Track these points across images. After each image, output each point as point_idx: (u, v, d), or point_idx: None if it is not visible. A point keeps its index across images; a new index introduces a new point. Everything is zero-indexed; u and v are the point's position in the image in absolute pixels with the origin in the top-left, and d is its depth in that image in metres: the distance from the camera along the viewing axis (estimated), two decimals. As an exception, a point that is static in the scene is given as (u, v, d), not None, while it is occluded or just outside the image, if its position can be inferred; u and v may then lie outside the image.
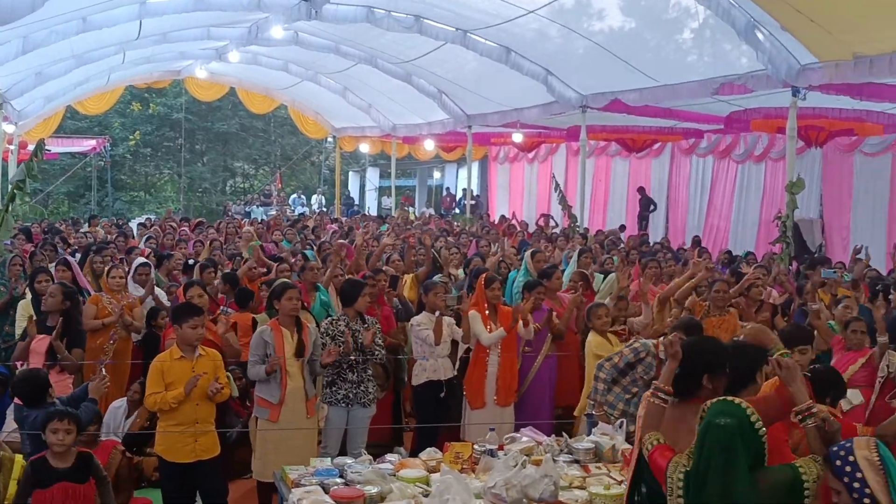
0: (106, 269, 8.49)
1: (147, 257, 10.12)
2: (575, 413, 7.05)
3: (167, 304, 8.38)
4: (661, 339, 5.92)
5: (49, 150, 21.77)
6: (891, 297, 8.19)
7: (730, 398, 3.40)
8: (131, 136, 34.27)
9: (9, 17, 8.36)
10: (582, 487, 4.84)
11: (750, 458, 3.25)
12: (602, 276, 9.58)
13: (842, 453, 3.17)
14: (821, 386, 4.77)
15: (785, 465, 3.40)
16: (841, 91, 10.43)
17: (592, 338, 7.00)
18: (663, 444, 3.60)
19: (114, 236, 14.19)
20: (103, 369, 5.90)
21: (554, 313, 7.65)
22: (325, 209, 29.67)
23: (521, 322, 7.10)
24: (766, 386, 4.66)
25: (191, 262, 10.03)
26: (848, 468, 3.12)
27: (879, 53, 8.91)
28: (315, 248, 11.86)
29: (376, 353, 6.68)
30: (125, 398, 7.18)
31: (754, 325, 4.34)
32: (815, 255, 13.46)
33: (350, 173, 36.13)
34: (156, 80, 23.77)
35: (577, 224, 15.79)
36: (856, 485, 3.09)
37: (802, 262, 11.93)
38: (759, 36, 9.90)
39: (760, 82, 10.75)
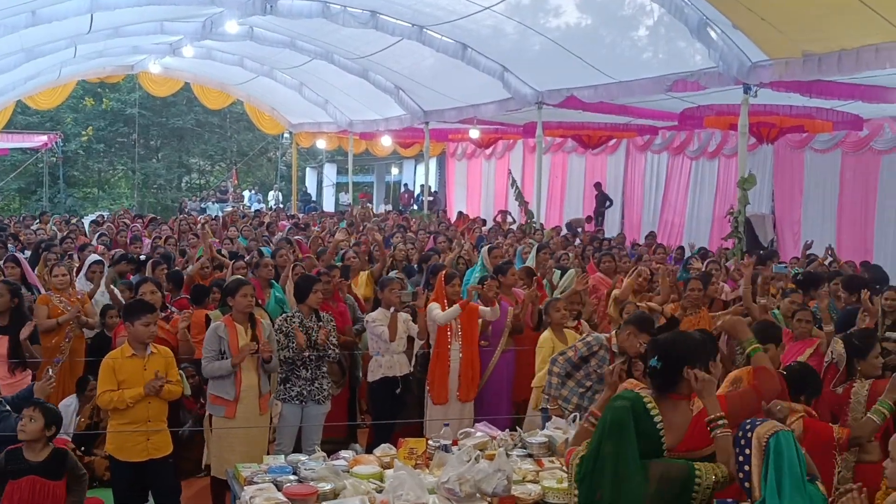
0: (49, 268, 8.34)
1: (102, 255, 9.98)
2: (531, 406, 7.09)
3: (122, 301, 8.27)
4: (614, 333, 6.00)
5: (-1, 147, 21.43)
6: (824, 289, 8.33)
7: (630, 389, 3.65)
8: (84, 132, 33.67)
9: (-46, 10, 8.20)
10: (535, 481, 4.87)
11: (642, 442, 3.38)
12: (560, 272, 9.64)
13: (747, 426, 3.37)
14: (796, 384, 4.84)
15: (684, 462, 3.49)
16: (791, 88, 10.61)
17: (547, 333, 7.04)
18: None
19: (65, 233, 13.96)
20: (50, 370, 5.82)
21: (510, 309, 7.71)
22: (281, 206, 29.48)
23: (488, 307, 7.18)
24: (731, 376, 4.77)
25: (142, 258, 9.91)
26: (742, 441, 3.35)
27: (828, 51, 9.07)
28: (271, 245, 11.79)
29: (330, 350, 6.65)
30: (75, 395, 7.09)
31: (732, 317, 4.40)
32: (767, 250, 13.66)
33: (307, 169, 35.92)
34: (109, 75, 23.44)
35: (534, 220, 15.87)
36: (741, 458, 3.34)
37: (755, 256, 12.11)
38: (712, 34, 10.03)
39: (713, 79, 10.89)
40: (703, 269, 9.43)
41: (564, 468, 4.85)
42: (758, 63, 10.07)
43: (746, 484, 3.33)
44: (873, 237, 14.75)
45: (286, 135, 29.92)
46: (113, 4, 12.19)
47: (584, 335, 6.39)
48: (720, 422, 3.58)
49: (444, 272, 7.64)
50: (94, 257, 9.10)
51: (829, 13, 8.61)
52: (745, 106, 10.87)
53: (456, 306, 7.20)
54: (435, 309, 7.31)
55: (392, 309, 7.24)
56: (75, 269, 8.65)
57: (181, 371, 6.25)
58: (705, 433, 3.59)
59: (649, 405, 3.48)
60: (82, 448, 6.54)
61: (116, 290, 8.40)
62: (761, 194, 16.59)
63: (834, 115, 12.85)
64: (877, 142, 14.57)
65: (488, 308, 7.47)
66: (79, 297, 7.93)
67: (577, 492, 3.52)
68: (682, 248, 14.35)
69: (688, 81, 11.39)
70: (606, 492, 3.38)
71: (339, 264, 9.34)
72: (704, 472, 3.41)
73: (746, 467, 3.28)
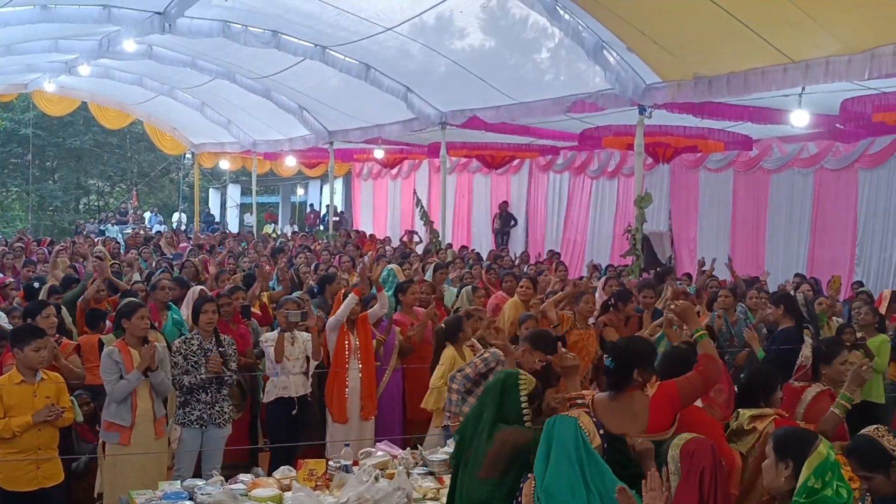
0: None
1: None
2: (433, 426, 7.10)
3: (7, 326, 7.97)
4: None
5: None
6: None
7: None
8: (-25, 152, 32.49)
9: None
10: (436, 499, 4.88)
11: (505, 411, 3.99)
12: (455, 290, 9.74)
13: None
14: (750, 392, 4.98)
15: (529, 428, 3.98)
16: (684, 110, 10.98)
17: (450, 350, 7.06)
18: None
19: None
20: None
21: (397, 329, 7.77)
22: (184, 227, 28.91)
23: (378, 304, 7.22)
24: None
25: (36, 284, 9.56)
26: None
27: (717, 74, 9.43)
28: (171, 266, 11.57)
29: (227, 374, 6.54)
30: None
31: (682, 303, 4.59)
32: (665, 267, 14.04)
33: (210, 190, 35.30)
34: (1, 94, 22.64)
35: (440, 239, 15.96)
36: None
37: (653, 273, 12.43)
38: (608, 57, 10.31)
39: (609, 101, 11.18)
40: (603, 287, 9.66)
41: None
42: (652, 85, 10.40)
43: None
44: (765, 252, 15.36)
45: (188, 155, 29.38)
46: (4, 21, 11.80)
47: (481, 352, 6.43)
48: (579, 401, 4.19)
49: (342, 291, 7.63)
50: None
51: (718, 37, 8.95)
52: (640, 127, 11.19)
53: (351, 295, 7.21)
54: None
55: (279, 329, 7.18)
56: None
57: (74, 398, 6.06)
58: (662, 417, 4.03)
59: (521, 381, 4.09)
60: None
61: (2, 315, 8.11)
62: (659, 212, 17.08)
63: (725, 136, 13.36)
64: (766, 161, 15.20)
65: (376, 304, 7.52)
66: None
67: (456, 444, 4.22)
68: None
69: (586, 102, 11.66)
70: (467, 444, 4.05)
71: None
72: None
73: None
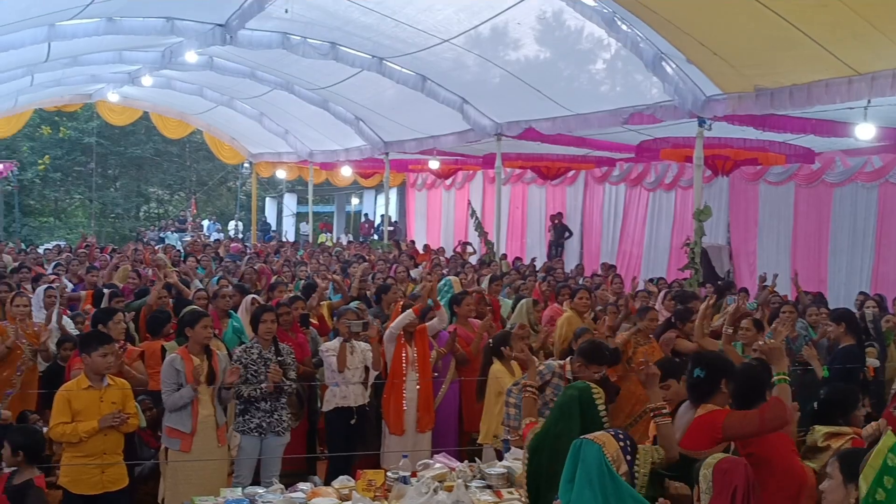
0: (9, 297, 8.18)
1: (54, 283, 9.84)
2: (479, 441, 7.07)
3: (73, 332, 8.17)
4: (568, 360, 6.04)
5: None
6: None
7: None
8: (41, 161, 33.29)
9: None
10: (494, 512, 4.87)
11: (587, 426, 3.93)
12: (511, 301, 9.71)
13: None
14: (831, 409, 4.90)
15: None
16: (745, 122, 10.82)
17: (497, 366, 7.03)
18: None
19: (19, 263, 13.72)
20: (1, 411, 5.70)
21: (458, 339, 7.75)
22: (241, 235, 29.31)
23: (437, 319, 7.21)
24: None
25: (105, 290, 9.78)
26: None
27: (779, 86, 9.27)
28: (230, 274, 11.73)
29: (287, 384, 6.61)
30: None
31: (772, 343, 4.52)
32: (723, 281, 13.84)
33: (267, 199, 35.78)
34: (66, 104, 23.18)
35: (494, 251, 15.94)
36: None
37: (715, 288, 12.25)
38: (667, 68, 10.21)
39: (668, 112, 11.06)
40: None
41: (523, 499, 4.88)
42: (712, 97, 10.27)
43: None
44: (827, 267, 15.04)
45: (246, 164, 29.80)
46: (71, 33, 12.09)
47: (538, 367, 6.40)
48: (663, 410, 4.18)
49: (401, 302, 7.66)
50: (46, 286, 9.00)
51: (780, 49, 8.81)
52: (699, 139, 11.05)
53: (408, 311, 7.20)
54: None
55: (341, 339, 7.23)
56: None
57: (137, 403, 6.18)
58: (698, 438, 4.07)
59: (595, 394, 4.08)
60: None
61: (69, 321, 8.32)
62: (717, 225, 16.85)
63: (787, 149, 13.12)
64: (829, 175, 14.90)
65: (434, 318, 7.52)
66: (35, 328, 7.79)
67: (527, 459, 4.19)
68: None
69: (644, 114, 11.55)
70: (546, 463, 4.00)
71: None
72: (643, 454, 3.79)
73: None
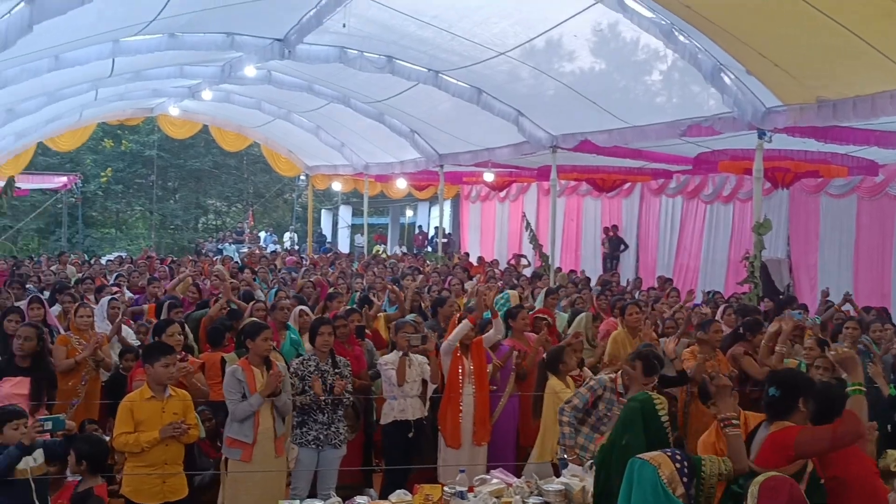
0: (73, 308, 8.36)
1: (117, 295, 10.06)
2: (535, 459, 7.01)
3: (134, 343, 8.32)
4: (620, 374, 6.00)
5: (19, 188, 21.64)
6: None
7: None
8: (103, 173, 34.08)
9: (-20, 55, 8.34)
10: (551, 529, 4.83)
11: (650, 438, 4.01)
12: (566, 315, 9.63)
13: None
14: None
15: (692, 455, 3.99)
16: (806, 134, 10.63)
17: (552, 381, 6.98)
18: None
19: (83, 274, 14.04)
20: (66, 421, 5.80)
21: (516, 353, 7.69)
22: (297, 247, 29.60)
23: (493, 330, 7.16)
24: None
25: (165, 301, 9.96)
26: None
27: (842, 98, 9.10)
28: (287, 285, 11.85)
29: (345, 396, 6.65)
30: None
31: (849, 352, 4.45)
32: (783, 296, 13.60)
33: (322, 211, 36.12)
34: (128, 118, 23.70)
35: (549, 263, 15.86)
36: None
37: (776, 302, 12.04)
38: (725, 79, 10.08)
39: (727, 124, 10.91)
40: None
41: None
42: (772, 108, 10.11)
43: None
44: (891, 282, 14.67)
45: (302, 177, 30.14)
46: (134, 49, 12.35)
47: (586, 380, 6.35)
48: (734, 421, 4.13)
49: (457, 315, 7.65)
50: (109, 297, 9.18)
51: (842, 60, 8.64)
52: (759, 151, 10.89)
53: (464, 322, 7.19)
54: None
55: (401, 353, 7.25)
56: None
57: (197, 414, 6.27)
58: (771, 457, 4.00)
59: (657, 404, 4.16)
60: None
61: (130, 332, 8.48)
62: (777, 239, 16.56)
63: (849, 161, 12.86)
64: (892, 187, 14.56)
65: (491, 330, 7.49)
66: (98, 338, 7.94)
67: (596, 474, 4.26)
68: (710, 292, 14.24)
69: (702, 126, 11.41)
70: (614, 477, 3.99)
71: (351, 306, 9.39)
72: (710, 465, 3.86)
73: None
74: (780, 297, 12.60)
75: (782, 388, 4.19)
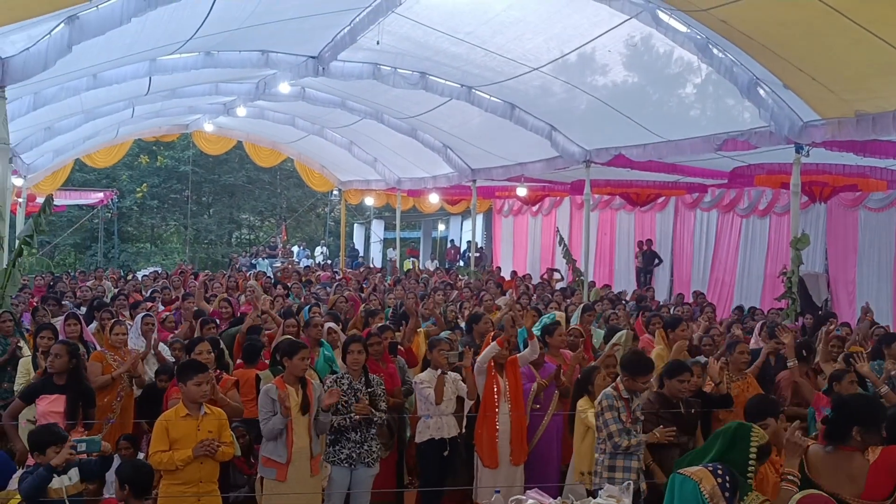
0: (108, 325, 8.40)
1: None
2: (568, 480, 6.93)
3: (170, 359, 8.36)
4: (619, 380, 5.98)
5: (57, 204, 21.95)
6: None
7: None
8: (138, 189, 34.50)
9: (21, 75, 8.48)
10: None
11: (731, 455, 3.90)
12: (602, 332, 9.53)
13: None
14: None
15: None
16: (844, 148, 10.49)
17: (583, 400, 6.88)
18: None
19: (118, 290, 14.16)
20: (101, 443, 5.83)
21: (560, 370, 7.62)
22: (328, 261, 29.72)
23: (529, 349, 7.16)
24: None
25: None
26: None
27: (881, 111, 8.98)
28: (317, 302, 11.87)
29: (378, 414, 6.63)
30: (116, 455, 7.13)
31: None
32: (822, 311, 13.40)
33: (355, 225, 36.27)
34: (164, 134, 23.96)
35: (582, 277, 15.77)
36: None
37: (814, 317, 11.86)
38: (762, 93, 9.99)
39: (764, 139, 10.82)
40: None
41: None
42: (810, 122, 10.00)
43: None
44: (931, 296, 14.45)
45: (335, 192, 30.29)
46: (171, 68, 12.52)
47: (597, 399, 6.24)
48: (790, 477, 4.05)
49: (492, 332, 7.61)
50: (144, 313, 9.24)
51: (882, 73, 8.53)
52: (797, 165, 10.78)
53: (493, 345, 7.12)
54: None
55: (439, 371, 7.21)
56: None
57: (232, 431, 6.27)
58: (881, 485, 3.95)
59: (753, 433, 3.97)
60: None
61: (165, 348, 8.52)
62: (814, 253, 16.35)
63: (889, 174, 12.69)
64: (933, 200, 14.34)
65: (527, 349, 7.43)
66: (136, 356, 7.99)
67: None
68: (740, 307, 14.08)
69: (738, 140, 11.32)
70: None
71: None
72: (753, 500, 3.80)
73: None
74: (819, 312, 12.39)
75: (837, 412, 4.15)
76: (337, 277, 19.46)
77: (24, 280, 11.82)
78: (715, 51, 9.66)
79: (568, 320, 10.29)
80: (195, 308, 10.42)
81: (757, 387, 7.41)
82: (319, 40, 12.59)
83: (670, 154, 13.02)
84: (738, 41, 8.99)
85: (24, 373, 7.69)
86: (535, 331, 8.11)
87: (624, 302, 14.22)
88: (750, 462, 3.90)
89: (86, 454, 5.36)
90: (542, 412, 7.46)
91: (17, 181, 17.78)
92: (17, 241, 9.36)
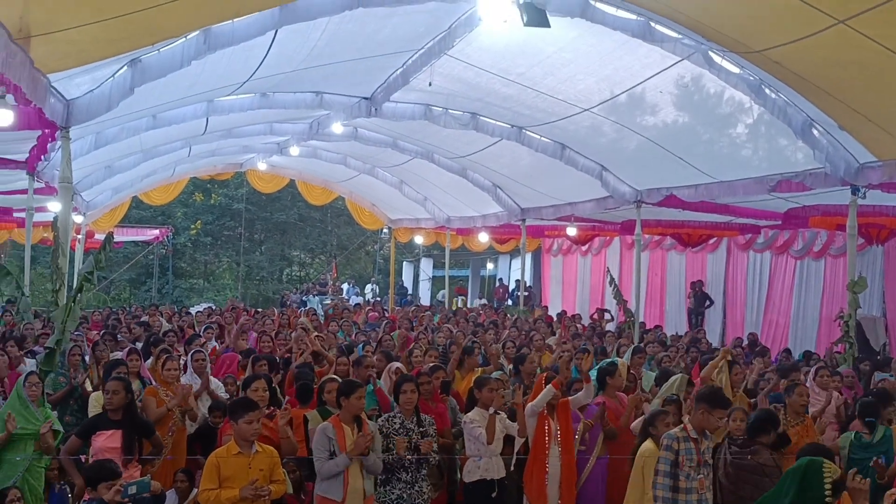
0: (161, 361, 8.49)
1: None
2: None
3: (223, 396, 8.44)
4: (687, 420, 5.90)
5: (116, 241, 22.40)
6: None
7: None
8: (193, 226, 35.11)
9: (86, 117, 8.73)
10: None
11: (807, 496, 4.01)
12: (653, 374, 9.41)
13: None
14: None
15: None
16: (902, 189, 10.35)
17: (649, 444, 6.75)
18: None
19: (172, 326, 14.35)
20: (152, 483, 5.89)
21: (607, 412, 7.54)
22: (378, 298, 29.85)
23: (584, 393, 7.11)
24: None
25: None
26: None
27: (941, 153, 8.85)
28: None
29: (430, 455, 6.62)
30: (173, 489, 7.20)
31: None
32: (880, 356, 13.11)
33: (404, 263, 36.43)
34: (219, 173, 24.43)
35: (633, 318, 15.63)
36: None
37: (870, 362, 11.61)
38: (816, 134, 9.90)
39: (818, 180, 10.69)
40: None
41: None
42: (866, 164, 9.87)
43: None
44: None
45: (385, 230, 30.52)
46: (228, 108, 12.78)
47: (661, 439, 6.13)
48: None
49: (544, 375, 7.57)
50: (195, 349, 9.35)
51: (940, 114, 8.43)
52: (853, 207, 10.62)
53: (549, 387, 7.05)
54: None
55: (491, 410, 7.17)
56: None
57: (283, 469, 6.30)
58: None
59: (825, 469, 4.03)
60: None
61: (219, 384, 8.60)
62: (872, 296, 16.02)
63: (948, 216, 12.44)
64: None
65: (580, 392, 7.36)
66: (185, 389, 8.08)
67: None
68: (787, 350, 13.83)
69: (792, 182, 11.20)
70: None
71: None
72: None
73: None
74: (877, 356, 12.12)
75: None
76: (386, 316, 19.52)
77: (83, 314, 12.07)
78: (768, 91, 9.61)
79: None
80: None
81: (815, 431, 7.26)
82: (372, 82, 12.79)
83: (722, 195, 12.90)
84: (792, 82, 8.93)
85: (96, 407, 7.78)
86: (591, 374, 8.03)
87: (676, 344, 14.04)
88: (826, 499, 3.89)
89: (135, 496, 5.40)
90: (588, 454, 7.38)
91: (77, 218, 18.22)
92: (77, 278, 9.56)
